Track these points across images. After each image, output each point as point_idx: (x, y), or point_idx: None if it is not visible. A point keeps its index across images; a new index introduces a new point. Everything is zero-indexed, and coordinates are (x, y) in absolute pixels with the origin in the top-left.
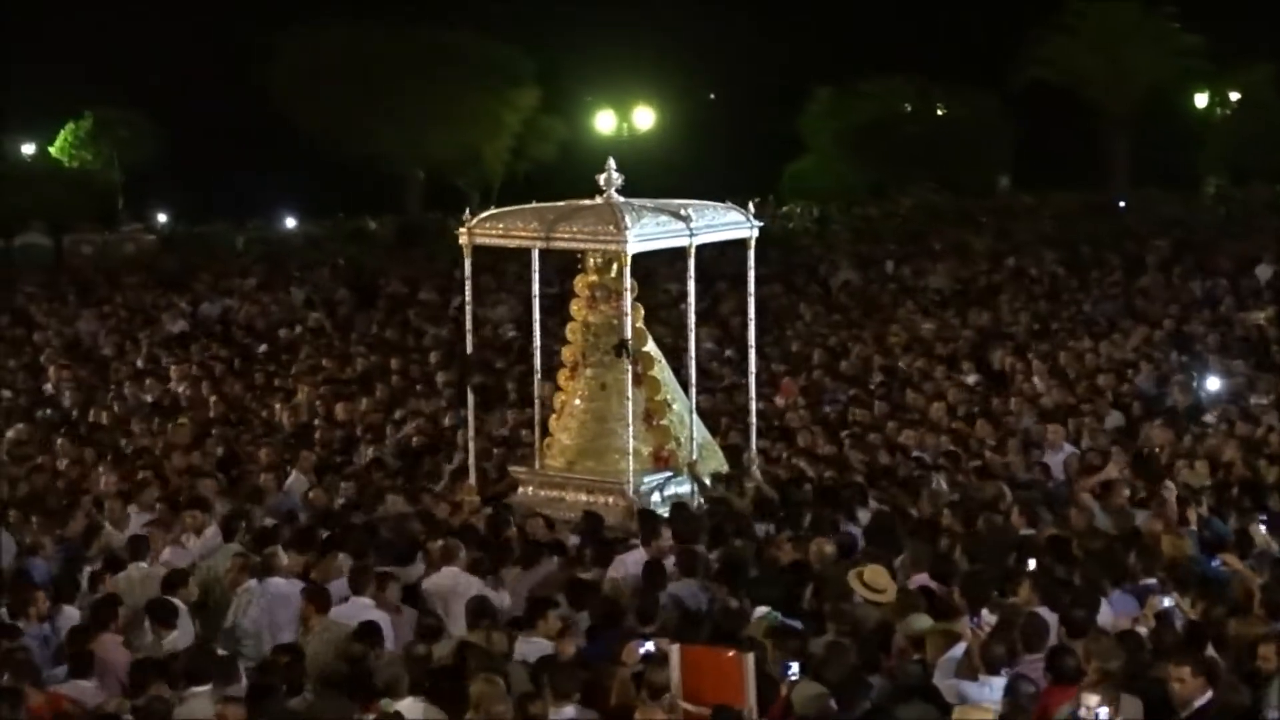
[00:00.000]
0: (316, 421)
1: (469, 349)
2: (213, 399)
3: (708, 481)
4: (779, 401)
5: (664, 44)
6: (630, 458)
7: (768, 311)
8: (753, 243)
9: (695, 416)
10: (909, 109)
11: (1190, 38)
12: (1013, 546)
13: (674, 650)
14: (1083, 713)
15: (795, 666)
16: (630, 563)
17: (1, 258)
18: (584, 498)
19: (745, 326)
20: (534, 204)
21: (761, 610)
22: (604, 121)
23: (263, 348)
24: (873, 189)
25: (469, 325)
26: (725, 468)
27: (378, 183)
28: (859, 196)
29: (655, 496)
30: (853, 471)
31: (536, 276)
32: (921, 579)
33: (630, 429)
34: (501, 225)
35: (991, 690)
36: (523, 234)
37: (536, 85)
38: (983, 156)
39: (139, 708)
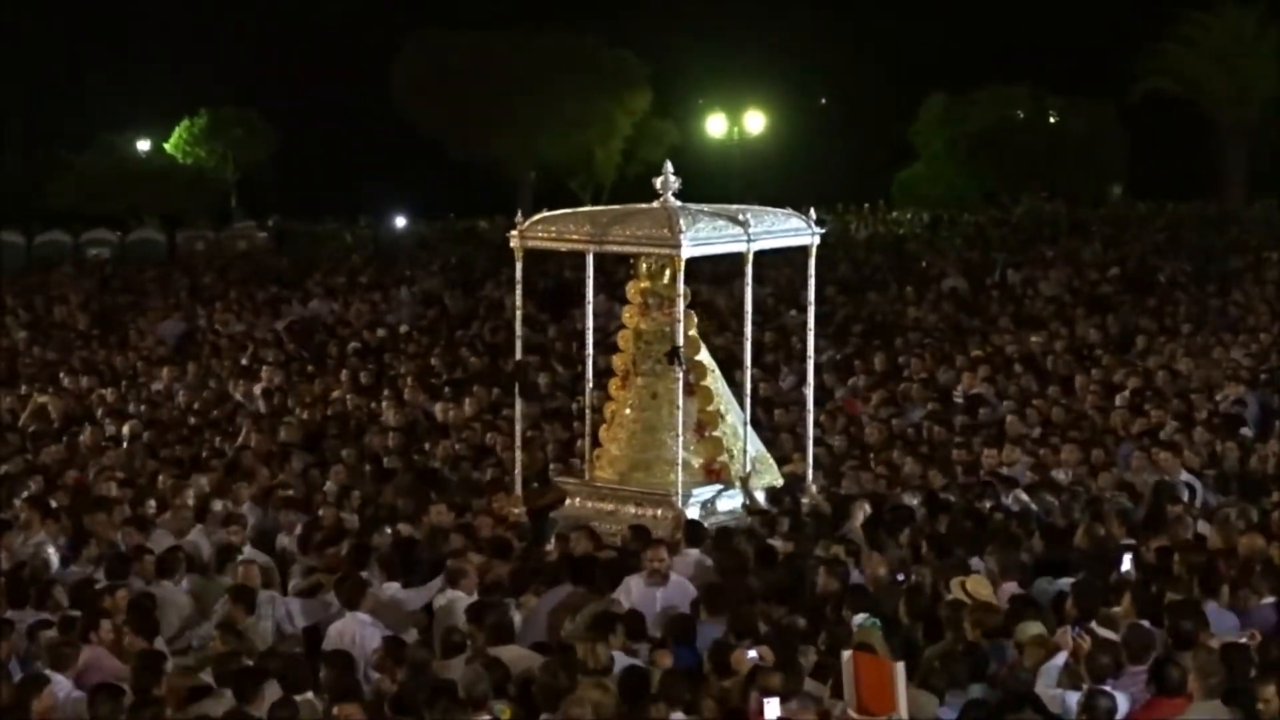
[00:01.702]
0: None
1: (518, 356)
2: (334, 394)
3: (759, 497)
4: (856, 415)
5: (776, 49)
6: (680, 469)
7: (873, 319)
8: (814, 250)
9: (749, 429)
10: (1021, 117)
11: None
12: (1114, 558)
13: (846, 657)
14: None
15: (899, 668)
16: (634, 585)
17: (116, 253)
18: (632, 510)
19: (858, 335)
20: (588, 207)
21: (860, 617)
22: (715, 125)
23: (353, 345)
24: (985, 196)
25: (519, 332)
26: (779, 482)
27: (490, 184)
28: (970, 204)
29: (704, 510)
30: (921, 487)
31: (590, 281)
32: (1010, 588)
33: (680, 440)
34: (554, 228)
35: None
36: (575, 237)
37: (649, 89)
38: (1097, 166)
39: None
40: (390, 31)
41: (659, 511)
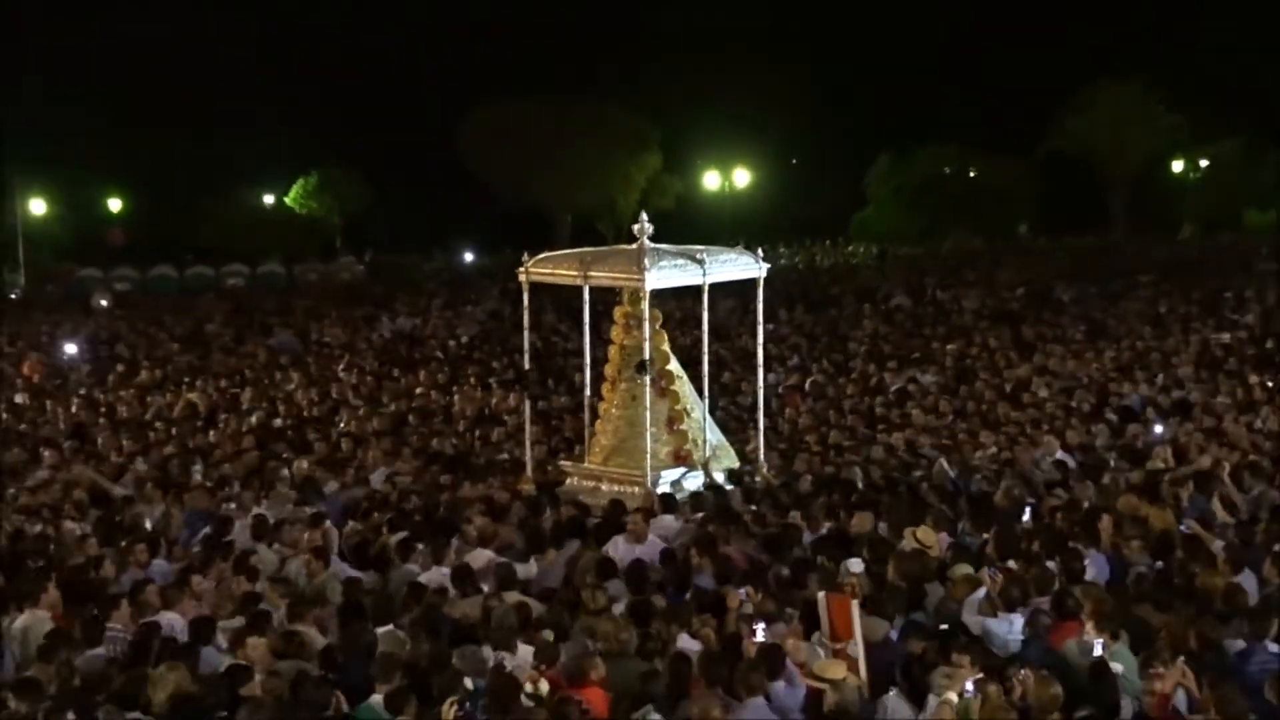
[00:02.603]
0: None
1: (527, 366)
2: (418, 390)
3: (717, 477)
4: (788, 412)
5: (758, 119)
6: (648, 457)
7: (834, 329)
8: (761, 282)
9: (710, 421)
10: (949, 171)
11: (1174, 117)
12: (1020, 514)
13: (821, 597)
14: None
15: (855, 603)
16: (620, 542)
17: (248, 282)
18: (615, 488)
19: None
20: (578, 249)
21: (854, 563)
22: (711, 180)
23: (437, 353)
24: (921, 233)
25: (526, 346)
26: (737, 464)
27: (536, 224)
28: (911, 239)
29: (672, 488)
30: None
31: (587, 308)
32: (944, 538)
33: (649, 433)
34: (550, 266)
35: (1011, 625)
36: (565, 273)
37: (659, 151)
38: (1009, 209)
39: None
40: (458, 104)
41: (635, 489)
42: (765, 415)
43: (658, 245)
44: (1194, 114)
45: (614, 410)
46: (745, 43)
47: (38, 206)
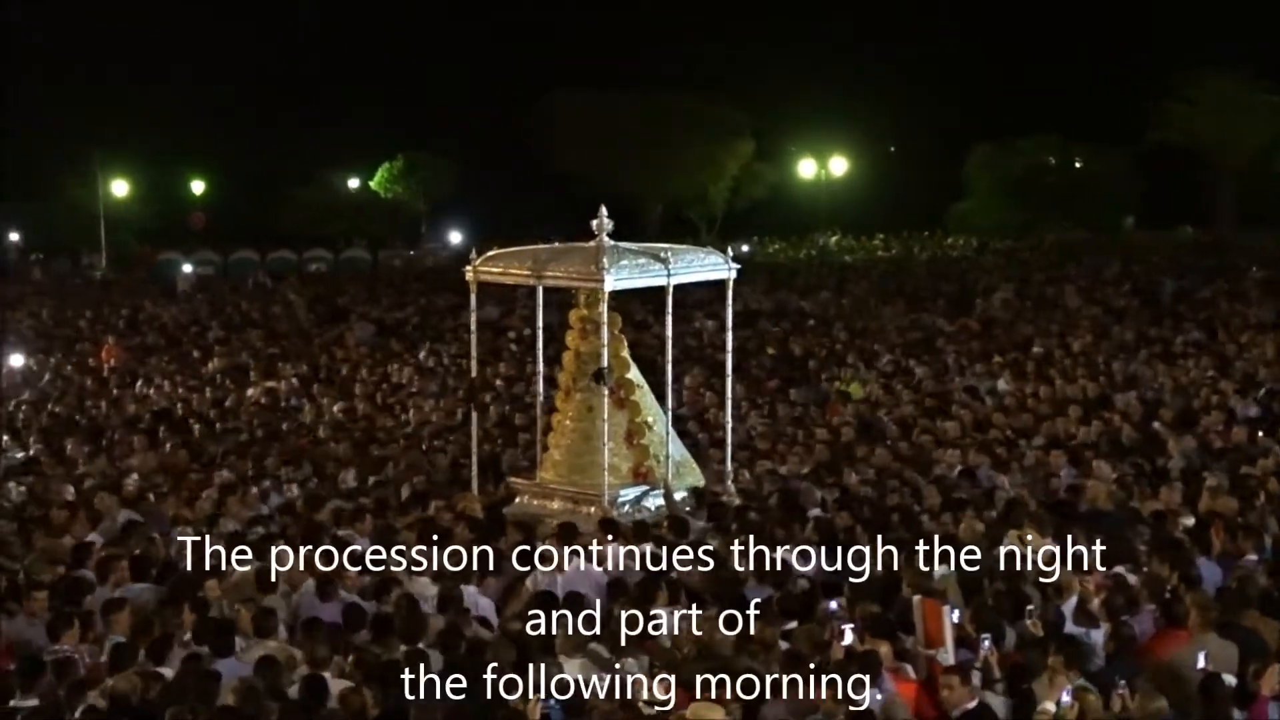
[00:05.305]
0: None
1: (474, 373)
2: (498, 382)
3: (678, 498)
4: (834, 420)
5: (855, 106)
6: (606, 473)
7: (929, 326)
8: (730, 284)
9: (673, 434)
10: (1052, 162)
11: None
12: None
13: (916, 601)
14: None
15: (956, 611)
16: (577, 566)
17: (331, 268)
18: (569, 507)
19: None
20: (531, 245)
21: (941, 570)
22: (806, 168)
23: (512, 345)
24: (1022, 227)
25: (473, 351)
26: (702, 483)
27: (624, 214)
28: (1011, 232)
29: (630, 509)
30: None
31: (540, 310)
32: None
33: (607, 448)
34: (501, 265)
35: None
36: (518, 273)
37: (752, 138)
38: (1114, 201)
39: None
40: (547, 91)
41: (590, 509)
42: (800, 426)
43: (618, 243)
44: None
45: (568, 422)
46: (843, 29)
47: (120, 188)
